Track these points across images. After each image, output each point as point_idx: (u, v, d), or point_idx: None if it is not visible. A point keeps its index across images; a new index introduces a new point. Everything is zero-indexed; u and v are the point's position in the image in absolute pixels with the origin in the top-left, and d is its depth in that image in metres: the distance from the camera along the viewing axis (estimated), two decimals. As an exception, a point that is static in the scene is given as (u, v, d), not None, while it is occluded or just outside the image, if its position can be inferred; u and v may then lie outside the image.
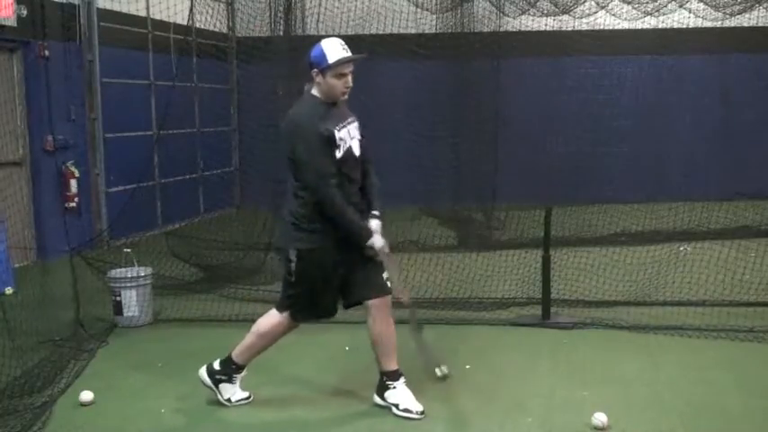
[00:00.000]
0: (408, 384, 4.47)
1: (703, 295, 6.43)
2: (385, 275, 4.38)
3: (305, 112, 4.30)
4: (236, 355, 4.57)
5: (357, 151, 4.36)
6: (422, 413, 4.34)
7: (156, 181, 10.63)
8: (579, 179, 11.47)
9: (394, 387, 4.43)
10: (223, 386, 4.59)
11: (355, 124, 4.42)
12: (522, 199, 10.19)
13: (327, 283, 4.35)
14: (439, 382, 4.37)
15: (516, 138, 11.87)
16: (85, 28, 9.41)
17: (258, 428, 4.37)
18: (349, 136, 4.33)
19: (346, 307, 4.53)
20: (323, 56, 4.18)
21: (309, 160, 4.20)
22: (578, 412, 4.31)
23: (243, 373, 4.62)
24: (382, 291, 4.39)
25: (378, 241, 4.32)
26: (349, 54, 4.23)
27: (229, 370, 4.59)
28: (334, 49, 4.19)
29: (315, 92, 4.30)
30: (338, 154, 4.24)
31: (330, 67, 4.17)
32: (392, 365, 4.45)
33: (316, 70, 4.22)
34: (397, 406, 4.39)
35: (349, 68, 4.24)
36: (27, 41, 8.66)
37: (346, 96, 4.33)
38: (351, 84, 4.28)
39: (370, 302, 4.37)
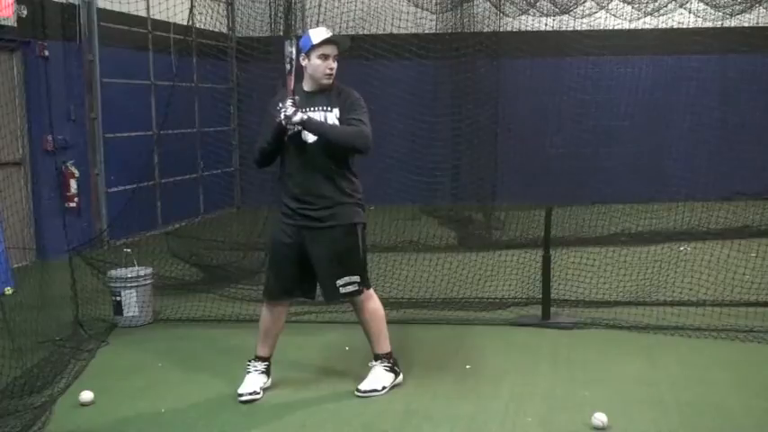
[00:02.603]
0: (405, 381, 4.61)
1: (703, 295, 6.43)
2: (344, 281, 4.57)
3: (279, 94, 4.62)
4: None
5: (310, 138, 4.47)
6: (364, 392, 4.62)
7: (156, 181, 10.63)
8: (579, 179, 11.47)
9: (370, 366, 4.73)
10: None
11: (332, 114, 4.52)
12: (522, 199, 10.19)
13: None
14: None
15: (516, 138, 11.87)
16: (85, 28, 9.40)
17: (257, 427, 4.37)
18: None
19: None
20: (308, 39, 4.48)
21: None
22: (578, 412, 4.31)
23: (260, 364, 4.77)
24: (327, 298, 4.78)
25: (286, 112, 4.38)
26: (332, 35, 4.49)
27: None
28: (318, 32, 4.50)
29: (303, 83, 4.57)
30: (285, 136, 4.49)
31: (314, 47, 4.44)
32: (373, 349, 4.75)
33: (303, 55, 4.49)
34: None
35: (332, 51, 4.49)
36: (27, 41, 8.66)
37: (331, 80, 4.52)
38: (333, 66, 4.49)
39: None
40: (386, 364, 4.71)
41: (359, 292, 4.63)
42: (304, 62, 4.50)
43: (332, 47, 4.48)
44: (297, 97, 4.44)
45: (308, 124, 4.41)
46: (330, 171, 4.53)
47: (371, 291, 4.75)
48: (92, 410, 4.59)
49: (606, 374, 4.98)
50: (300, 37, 4.56)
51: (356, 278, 4.60)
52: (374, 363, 4.73)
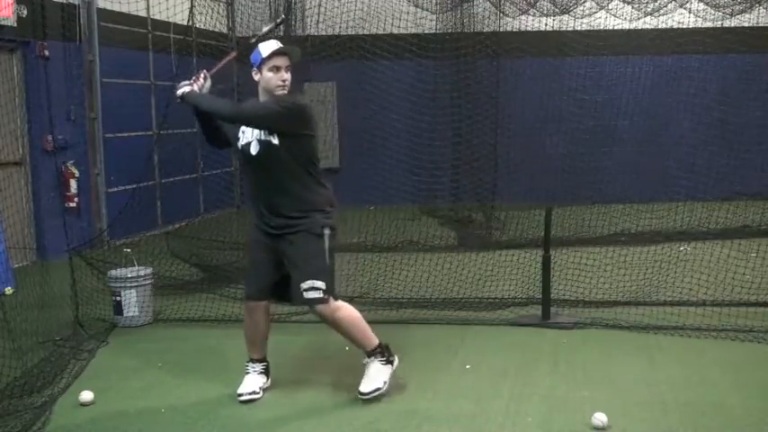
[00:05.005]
0: (398, 379, 4.58)
1: (703, 295, 6.43)
2: (307, 285, 4.43)
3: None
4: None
5: (253, 150, 4.47)
6: (367, 393, 4.51)
7: (156, 181, 10.63)
8: (579, 179, 11.47)
9: (365, 363, 4.64)
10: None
11: None
12: (522, 199, 10.20)
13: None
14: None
15: (516, 138, 11.87)
16: (85, 28, 9.41)
17: (257, 427, 4.37)
18: (251, 132, 4.50)
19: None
20: (258, 53, 4.48)
21: None
22: (578, 412, 4.31)
23: (254, 365, 4.77)
24: (293, 301, 4.62)
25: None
26: (280, 46, 4.47)
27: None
28: (267, 45, 4.49)
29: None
30: (238, 143, 4.54)
31: (264, 60, 4.43)
32: (364, 350, 4.64)
33: (255, 69, 4.50)
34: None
35: (283, 62, 4.45)
36: (27, 41, 8.66)
37: (284, 91, 4.47)
38: (286, 77, 4.45)
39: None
40: (380, 358, 4.62)
41: (322, 301, 4.42)
42: (257, 76, 4.49)
43: (283, 58, 4.45)
44: (203, 73, 4.60)
45: (186, 97, 4.51)
46: (286, 184, 4.45)
47: (340, 302, 4.56)
48: (92, 410, 4.59)
49: (606, 374, 4.98)
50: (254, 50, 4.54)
51: (320, 284, 4.41)
52: (368, 360, 4.63)
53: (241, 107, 4.67)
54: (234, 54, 4.60)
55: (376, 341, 4.64)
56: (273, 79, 4.44)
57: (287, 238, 4.48)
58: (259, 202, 4.58)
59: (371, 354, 4.63)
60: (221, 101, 4.65)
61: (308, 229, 4.45)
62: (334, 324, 4.55)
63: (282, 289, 4.63)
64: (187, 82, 4.57)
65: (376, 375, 4.59)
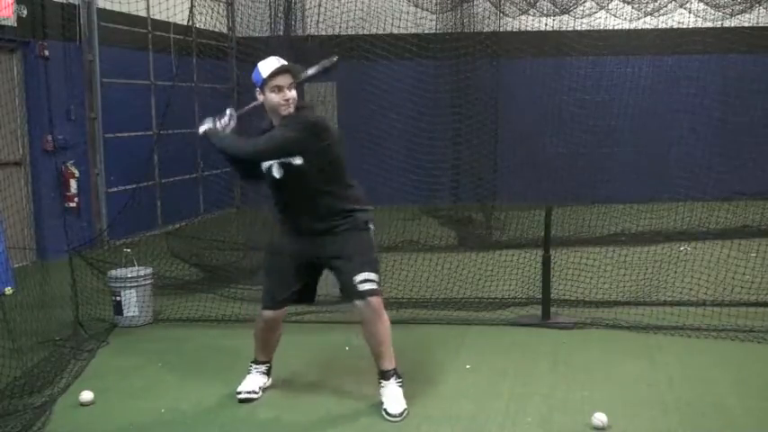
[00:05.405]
0: (404, 383, 4.49)
1: (703, 295, 6.43)
2: (362, 277, 4.35)
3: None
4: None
5: (276, 174, 4.35)
6: (398, 414, 4.32)
7: (156, 181, 10.63)
8: (579, 179, 11.47)
9: (382, 386, 4.47)
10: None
11: None
12: (522, 199, 10.19)
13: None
14: None
15: (516, 138, 11.86)
16: (85, 28, 9.41)
17: (257, 427, 4.38)
18: None
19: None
20: (258, 73, 4.30)
21: None
22: (578, 412, 4.31)
23: (260, 365, 4.77)
24: (348, 296, 4.44)
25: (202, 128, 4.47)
26: (281, 64, 4.28)
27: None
28: (266, 65, 4.30)
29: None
30: (261, 167, 4.40)
31: (265, 81, 4.27)
32: (382, 365, 4.47)
33: (257, 89, 4.33)
34: (381, 404, 4.42)
35: (285, 81, 4.27)
36: (27, 41, 8.66)
37: (290, 109, 4.30)
38: (289, 96, 4.28)
39: (354, 303, 4.41)
40: (397, 380, 4.48)
41: (376, 292, 4.37)
42: (260, 97, 4.35)
43: (284, 77, 4.26)
44: (229, 111, 4.49)
45: (207, 134, 4.41)
46: (317, 199, 4.36)
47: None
48: (92, 410, 4.59)
49: (606, 374, 4.98)
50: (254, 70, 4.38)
51: (374, 276, 4.37)
52: (385, 382, 4.45)
53: (257, 145, 4.38)
54: (261, 99, 4.37)
55: (386, 365, 4.48)
56: (276, 99, 4.27)
57: (331, 237, 4.39)
58: (292, 217, 4.45)
59: (389, 375, 4.46)
60: (239, 141, 4.44)
61: (354, 226, 4.41)
62: (380, 319, 4.40)
63: (304, 292, 4.59)
64: (211, 119, 4.46)
65: (398, 395, 4.44)
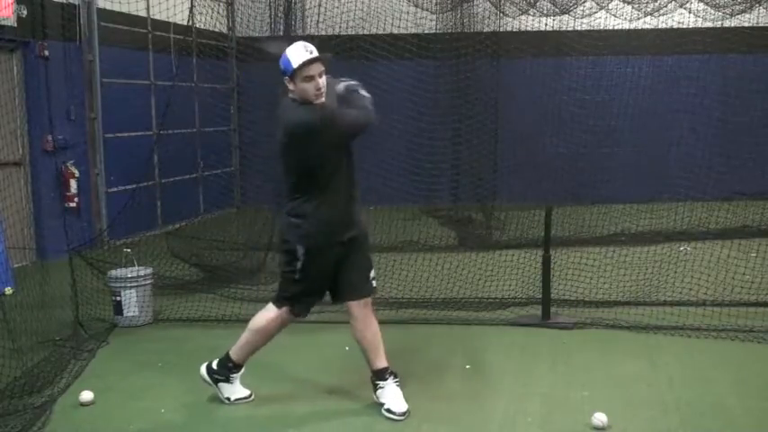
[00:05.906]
0: (402, 383, 4.50)
1: (703, 295, 6.43)
2: (373, 273, 4.50)
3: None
4: (233, 352, 4.61)
5: (329, 164, 4.34)
6: (403, 414, 4.34)
7: (156, 181, 10.63)
8: (579, 179, 11.47)
9: (381, 386, 4.47)
10: (222, 385, 4.62)
11: None
12: (522, 199, 10.19)
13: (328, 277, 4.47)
14: None
15: (516, 138, 11.86)
16: (85, 28, 9.40)
17: (257, 427, 4.38)
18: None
19: (334, 302, 4.66)
20: (288, 62, 4.18)
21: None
22: (578, 412, 4.32)
23: (240, 372, 4.65)
24: (360, 293, 4.44)
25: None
26: (312, 55, 4.16)
27: (225, 370, 4.62)
28: (297, 54, 4.17)
29: (293, 96, 4.28)
30: (307, 161, 4.31)
31: (296, 71, 4.16)
32: (377, 364, 4.47)
33: (287, 78, 4.23)
34: (383, 405, 4.42)
35: (317, 70, 4.18)
36: (27, 41, 8.66)
37: (322, 99, 4.24)
38: (321, 86, 4.20)
39: (350, 304, 4.44)
40: (394, 379, 4.48)
41: (375, 290, 4.56)
42: (290, 86, 4.22)
43: (316, 65, 4.16)
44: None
45: (358, 87, 4.44)
46: (356, 188, 4.46)
47: None
48: (92, 410, 4.59)
49: (606, 374, 4.98)
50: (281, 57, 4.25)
51: (373, 273, 4.53)
52: (383, 383, 4.45)
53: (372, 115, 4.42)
54: (292, 88, 4.26)
55: (381, 364, 4.48)
56: (309, 89, 4.17)
57: (356, 230, 4.45)
58: (342, 204, 4.37)
59: (385, 375, 4.46)
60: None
61: (365, 226, 4.59)
62: (374, 315, 4.47)
63: (334, 293, 4.58)
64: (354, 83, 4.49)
65: (399, 394, 4.44)
